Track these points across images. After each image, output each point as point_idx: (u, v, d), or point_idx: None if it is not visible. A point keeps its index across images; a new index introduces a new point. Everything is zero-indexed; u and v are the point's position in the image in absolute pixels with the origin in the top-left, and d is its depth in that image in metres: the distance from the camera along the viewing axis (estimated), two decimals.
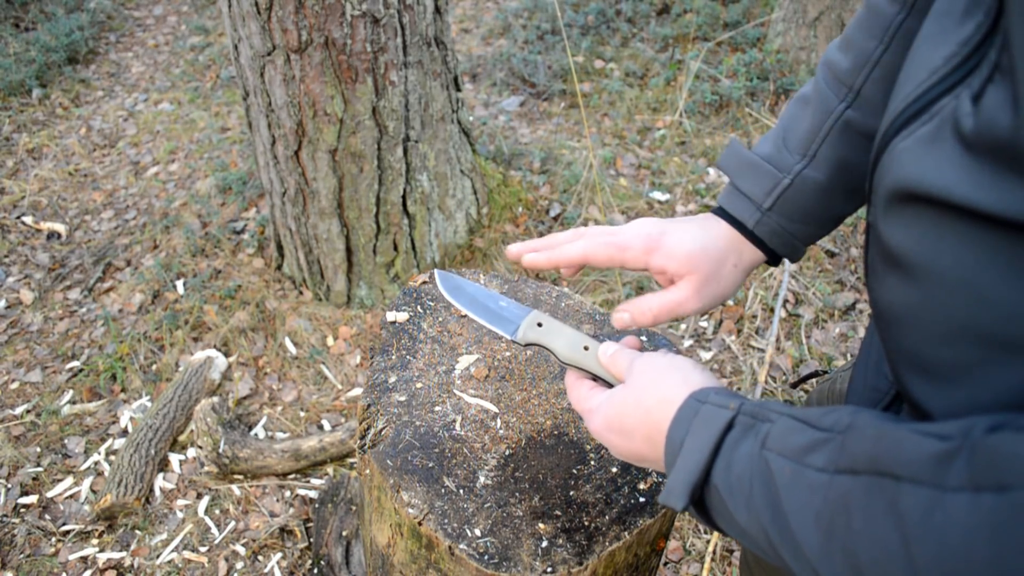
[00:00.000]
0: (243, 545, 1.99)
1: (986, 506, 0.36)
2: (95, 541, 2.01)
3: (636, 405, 0.63)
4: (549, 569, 0.77)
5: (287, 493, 2.13)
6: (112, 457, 2.22)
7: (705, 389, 0.60)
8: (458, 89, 2.51)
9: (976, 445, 0.38)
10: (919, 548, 0.38)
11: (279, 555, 1.97)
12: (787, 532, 0.48)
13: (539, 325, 0.77)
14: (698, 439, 0.55)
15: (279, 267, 2.75)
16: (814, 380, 2.14)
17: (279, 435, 2.28)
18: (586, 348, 0.74)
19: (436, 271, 0.87)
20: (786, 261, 1.10)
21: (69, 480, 2.17)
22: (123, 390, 2.43)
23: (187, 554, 1.97)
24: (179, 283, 2.73)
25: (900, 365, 0.54)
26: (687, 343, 2.44)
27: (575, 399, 0.73)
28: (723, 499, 0.54)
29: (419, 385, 0.97)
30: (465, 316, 1.07)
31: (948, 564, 0.37)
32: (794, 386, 1.10)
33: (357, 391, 2.39)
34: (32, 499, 2.11)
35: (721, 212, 0.80)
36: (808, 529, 0.46)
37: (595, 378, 0.74)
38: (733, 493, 0.53)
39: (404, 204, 2.45)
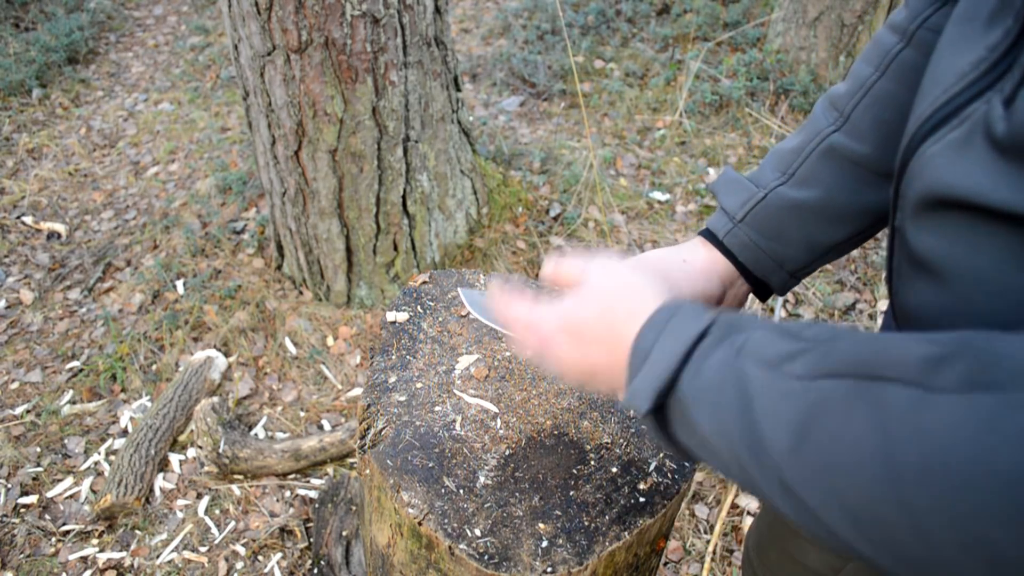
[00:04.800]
0: (243, 545, 1.99)
1: (976, 406, 0.35)
2: (95, 541, 2.01)
3: (599, 317, 0.60)
4: (549, 569, 0.77)
5: (287, 493, 2.13)
6: (112, 457, 2.22)
7: (679, 299, 0.57)
8: (458, 89, 2.51)
9: (974, 347, 0.37)
10: (901, 449, 0.37)
11: (279, 555, 1.97)
12: (755, 437, 0.45)
13: None
14: (668, 345, 0.52)
15: (279, 267, 2.75)
16: None
17: (279, 435, 2.28)
18: None
19: (460, 290, 0.87)
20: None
21: (69, 480, 2.17)
22: (123, 390, 2.43)
23: (187, 554, 1.97)
24: (179, 283, 2.73)
25: None
26: None
27: (512, 317, 0.68)
28: (687, 407, 0.51)
29: (419, 385, 0.97)
30: (466, 316, 1.08)
31: (930, 465, 0.35)
32: None
33: (357, 391, 2.39)
34: (32, 499, 2.11)
35: (704, 231, 0.82)
36: (779, 432, 0.43)
37: None
38: (699, 401, 0.50)
39: (404, 204, 2.45)
